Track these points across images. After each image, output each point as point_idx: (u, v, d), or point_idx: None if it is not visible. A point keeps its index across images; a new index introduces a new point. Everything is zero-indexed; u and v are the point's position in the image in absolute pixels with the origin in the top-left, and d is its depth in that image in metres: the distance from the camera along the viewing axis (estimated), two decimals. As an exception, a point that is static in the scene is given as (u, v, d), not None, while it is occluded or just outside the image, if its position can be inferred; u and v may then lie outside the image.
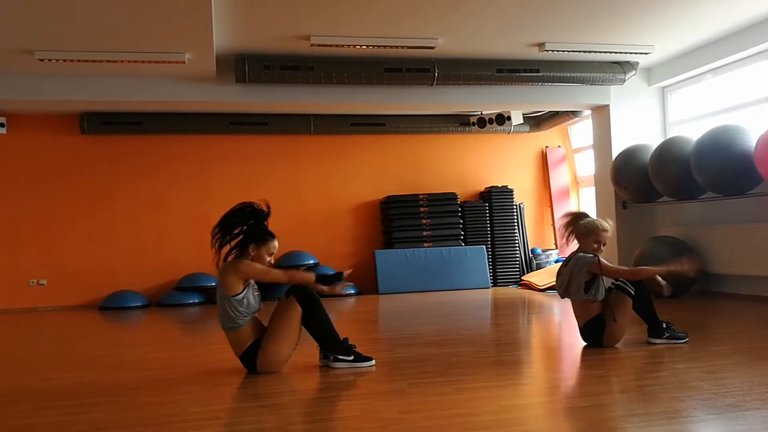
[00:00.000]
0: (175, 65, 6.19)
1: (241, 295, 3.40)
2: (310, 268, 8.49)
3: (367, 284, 8.74)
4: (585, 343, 3.95)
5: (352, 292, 8.49)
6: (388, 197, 8.95)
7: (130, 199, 8.57)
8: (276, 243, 3.55)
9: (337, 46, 6.26)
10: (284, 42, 6.28)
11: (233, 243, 3.48)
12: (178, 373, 3.69)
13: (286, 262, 8.45)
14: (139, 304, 8.00)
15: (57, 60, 5.91)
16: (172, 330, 6.12)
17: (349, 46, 6.27)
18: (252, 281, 3.52)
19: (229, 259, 3.49)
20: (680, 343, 3.84)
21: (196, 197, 8.73)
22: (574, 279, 3.82)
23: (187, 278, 8.27)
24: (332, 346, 3.54)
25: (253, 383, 3.32)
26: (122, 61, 5.99)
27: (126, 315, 7.28)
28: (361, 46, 6.29)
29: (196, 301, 8.11)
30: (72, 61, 5.95)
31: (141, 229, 8.57)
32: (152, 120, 8.27)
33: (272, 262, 3.55)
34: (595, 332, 3.85)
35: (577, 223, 3.95)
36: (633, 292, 3.79)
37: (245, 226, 3.49)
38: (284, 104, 7.37)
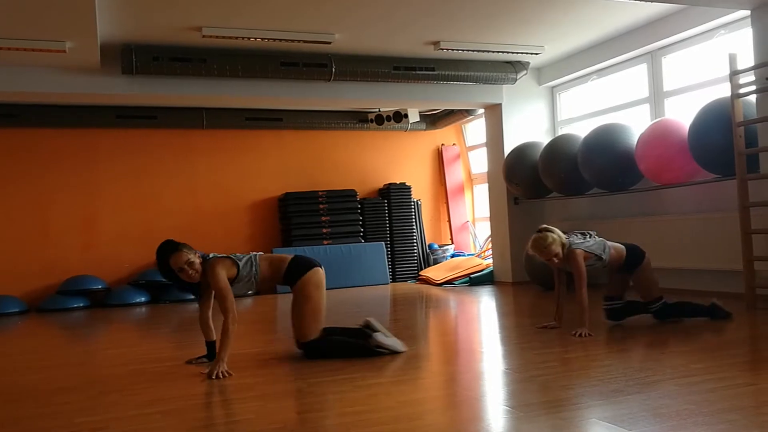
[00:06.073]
0: (54, 54, 5.79)
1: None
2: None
3: (265, 283, 8.57)
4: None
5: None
6: (287, 194, 8.82)
7: (5, 196, 7.98)
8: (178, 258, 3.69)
9: (230, 38, 6.08)
10: (175, 32, 6.03)
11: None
12: (60, 382, 3.45)
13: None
14: (17, 309, 7.44)
15: None
16: (53, 337, 5.74)
17: (243, 38, 6.11)
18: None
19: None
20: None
21: (81, 194, 8.24)
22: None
23: (72, 281, 7.78)
24: None
25: (144, 390, 3.15)
26: (-6, 48, 5.56)
27: (1, 322, 6.77)
28: (255, 38, 6.14)
29: (81, 305, 7.65)
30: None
31: (19, 228, 7.99)
32: (28, 112, 7.72)
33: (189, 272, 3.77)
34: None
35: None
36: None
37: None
38: (175, 97, 7.08)
